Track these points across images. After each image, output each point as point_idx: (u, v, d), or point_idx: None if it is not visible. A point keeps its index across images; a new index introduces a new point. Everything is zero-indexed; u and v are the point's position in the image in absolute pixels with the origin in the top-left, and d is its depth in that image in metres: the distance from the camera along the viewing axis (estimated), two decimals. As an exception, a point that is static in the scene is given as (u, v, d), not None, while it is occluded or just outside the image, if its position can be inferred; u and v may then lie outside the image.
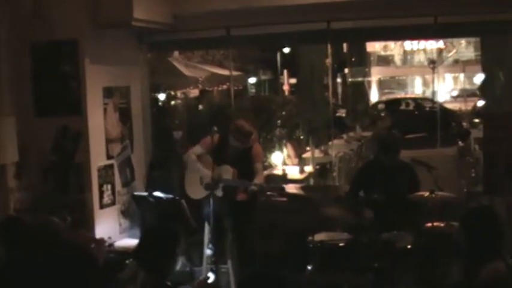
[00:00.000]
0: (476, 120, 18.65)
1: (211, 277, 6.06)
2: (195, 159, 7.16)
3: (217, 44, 10.79)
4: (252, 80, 30.45)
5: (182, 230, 4.65)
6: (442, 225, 6.19)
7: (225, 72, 18.50)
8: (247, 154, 7.09)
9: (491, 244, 4.47)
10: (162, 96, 16.15)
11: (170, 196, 7.21)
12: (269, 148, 12.92)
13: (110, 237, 7.30)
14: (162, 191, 7.32)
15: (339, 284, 6.05)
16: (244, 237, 7.15)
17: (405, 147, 7.10)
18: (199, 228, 7.18)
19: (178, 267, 4.51)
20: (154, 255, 4.28)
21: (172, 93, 16.87)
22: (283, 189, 7.00)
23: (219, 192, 6.72)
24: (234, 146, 7.04)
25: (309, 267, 6.32)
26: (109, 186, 7.86)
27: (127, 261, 6.23)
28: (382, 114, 21.09)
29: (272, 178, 9.93)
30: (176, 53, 17.78)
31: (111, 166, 7.94)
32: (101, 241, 5.71)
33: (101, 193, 7.72)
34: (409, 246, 6.18)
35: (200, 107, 16.64)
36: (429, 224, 6.24)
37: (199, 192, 7.06)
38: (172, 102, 16.85)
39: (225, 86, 18.41)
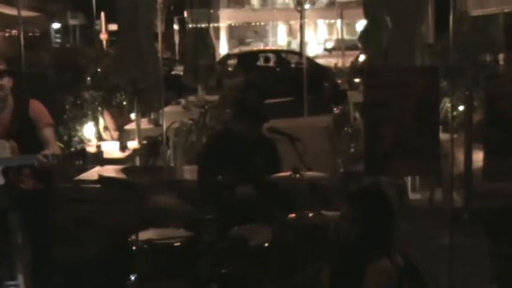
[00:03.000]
0: (357, 80, 19.14)
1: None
2: None
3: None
4: (57, 25, 29.95)
5: None
6: (310, 215, 6.29)
7: (15, 12, 18.03)
8: (23, 117, 6.80)
9: (380, 237, 4.60)
10: None
11: None
12: (78, 117, 12.76)
13: None
14: None
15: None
16: (38, 240, 6.97)
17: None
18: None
19: None
20: None
21: None
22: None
23: (0, 180, 6.49)
24: None
25: (133, 277, 6.27)
26: None
27: None
28: (231, 70, 21.30)
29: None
30: None
31: None
32: None
33: None
34: (266, 245, 6.24)
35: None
36: (293, 215, 6.33)
37: None
38: None
39: (15, 32, 18.00)
